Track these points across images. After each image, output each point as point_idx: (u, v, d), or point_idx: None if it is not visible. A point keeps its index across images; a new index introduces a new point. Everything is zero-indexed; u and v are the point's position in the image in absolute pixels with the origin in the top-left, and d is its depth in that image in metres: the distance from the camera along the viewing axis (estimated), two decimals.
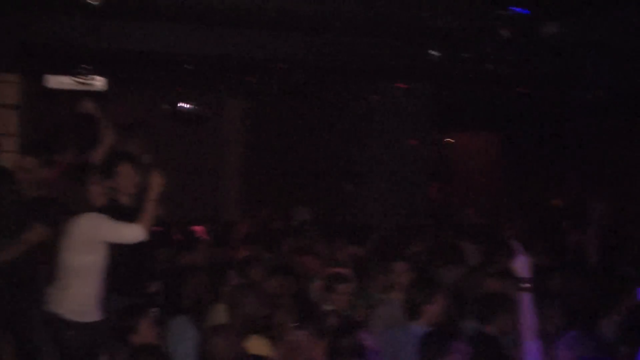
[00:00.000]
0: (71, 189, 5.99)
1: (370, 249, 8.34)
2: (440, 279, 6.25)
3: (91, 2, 6.72)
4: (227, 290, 5.74)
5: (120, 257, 5.42)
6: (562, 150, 16.63)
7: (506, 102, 13.62)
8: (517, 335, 4.15)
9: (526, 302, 4.09)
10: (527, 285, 4.10)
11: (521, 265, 4.14)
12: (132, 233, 5.22)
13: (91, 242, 5.24)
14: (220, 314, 5.47)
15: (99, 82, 9.39)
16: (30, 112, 11.90)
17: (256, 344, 4.81)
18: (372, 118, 12.42)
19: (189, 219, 10.63)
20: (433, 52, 8.61)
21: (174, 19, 8.89)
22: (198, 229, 9.87)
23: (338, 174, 13.05)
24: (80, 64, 7.71)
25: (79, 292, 5.25)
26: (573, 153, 16.38)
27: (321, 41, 9.37)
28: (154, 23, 9.02)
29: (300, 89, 12.50)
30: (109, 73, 9.82)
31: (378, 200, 12.19)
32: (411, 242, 8.63)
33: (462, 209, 13.94)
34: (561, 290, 6.17)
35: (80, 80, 7.76)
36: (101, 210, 5.42)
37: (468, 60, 8.79)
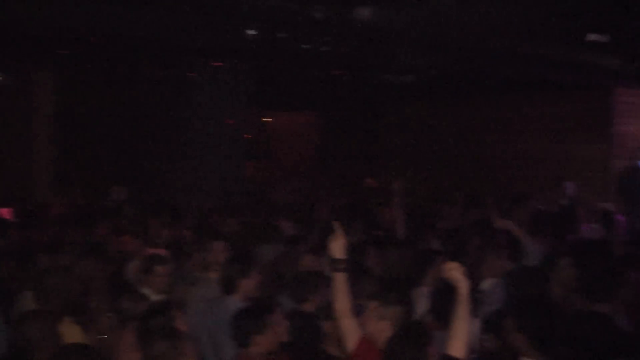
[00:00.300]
0: None
1: (188, 228, 8.28)
2: (257, 256, 6.32)
3: None
4: (36, 275, 5.49)
5: None
6: (375, 132, 17.31)
7: (324, 83, 13.93)
8: (333, 311, 4.27)
9: (340, 280, 4.22)
10: (341, 264, 4.22)
11: (335, 244, 4.25)
12: None
13: None
14: (28, 301, 5.23)
15: None
16: None
17: (67, 329, 4.65)
18: (190, 96, 12.29)
19: None
20: (249, 31, 8.63)
21: None
22: (4, 210, 9.34)
23: (155, 152, 12.81)
24: None
25: None
26: (386, 135, 17.08)
27: (138, 15, 9.09)
28: None
29: (116, 63, 12.11)
30: None
31: (195, 178, 12.09)
32: (228, 220, 8.66)
33: (279, 187, 14.15)
34: (374, 264, 6.45)
35: None
36: None
37: (283, 40, 8.87)
